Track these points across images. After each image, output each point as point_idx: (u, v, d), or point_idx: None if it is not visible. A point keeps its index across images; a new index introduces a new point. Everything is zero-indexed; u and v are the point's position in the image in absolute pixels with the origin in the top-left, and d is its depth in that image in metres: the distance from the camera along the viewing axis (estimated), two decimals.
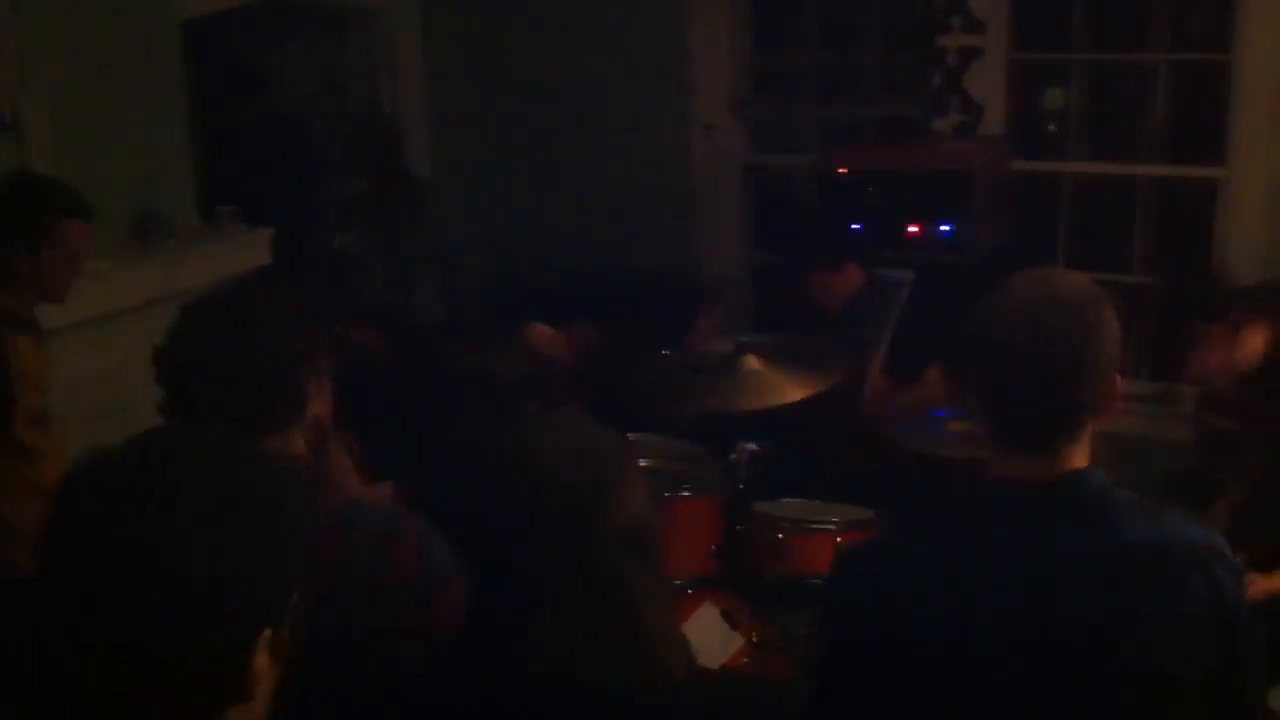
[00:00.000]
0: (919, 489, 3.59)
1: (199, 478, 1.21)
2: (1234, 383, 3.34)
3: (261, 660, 1.20)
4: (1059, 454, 1.69)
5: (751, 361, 3.47)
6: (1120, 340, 1.71)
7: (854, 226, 4.48)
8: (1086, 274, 1.83)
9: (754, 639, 2.99)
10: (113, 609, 1.15)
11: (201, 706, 1.19)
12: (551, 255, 5.36)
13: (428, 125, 5.31)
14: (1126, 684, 1.63)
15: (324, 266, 4.48)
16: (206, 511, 1.18)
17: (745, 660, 2.92)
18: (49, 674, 1.18)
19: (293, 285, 2.80)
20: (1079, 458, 1.71)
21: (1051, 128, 4.88)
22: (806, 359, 3.53)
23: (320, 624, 1.29)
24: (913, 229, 4.45)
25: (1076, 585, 1.63)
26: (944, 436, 3.54)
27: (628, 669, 1.46)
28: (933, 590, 1.66)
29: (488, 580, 1.54)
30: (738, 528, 3.28)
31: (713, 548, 3.24)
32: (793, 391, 3.39)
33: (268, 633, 1.20)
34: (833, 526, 3.24)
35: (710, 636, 2.89)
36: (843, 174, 4.58)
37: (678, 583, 3.08)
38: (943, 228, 4.42)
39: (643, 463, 3.39)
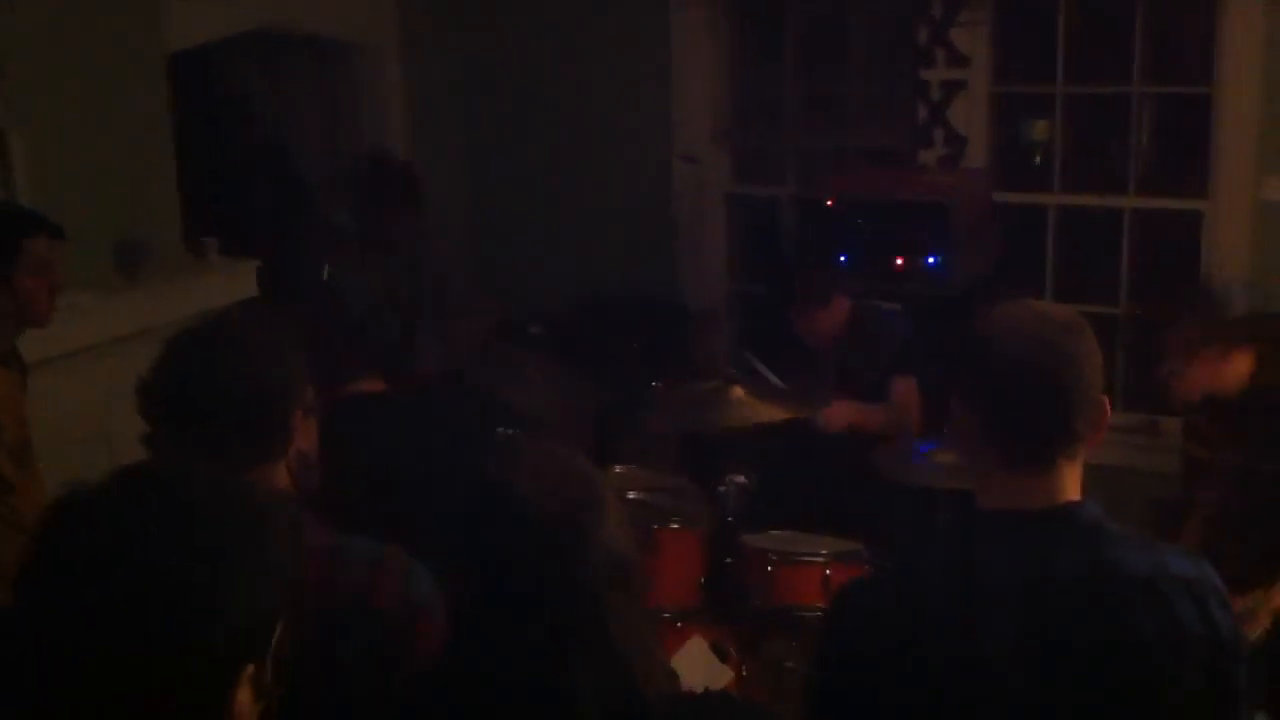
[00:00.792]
0: (907, 521, 3.59)
1: (183, 513, 1.20)
2: (1212, 406, 3.33)
3: (244, 696, 1.19)
4: (1056, 478, 1.70)
5: (738, 392, 3.48)
6: (1103, 366, 1.73)
7: (841, 258, 4.49)
8: (1072, 305, 1.86)
9: (743, 671, 2.98)
10: (95, 644, 1.14)
11: None
12: (534, 286, 5.36)
13: (411, 156, 5.32)
14: (1120, 712, 1.63)
15: (311, 298, 4.46)
16: (190, 547, 1.17)
17: (734, 692, 2.90)
18: (30, 711, 1.16)
19: (278, 317, 2.79)
20: (1074, 488, 1.72)
21: (1036, 160, 4.91)
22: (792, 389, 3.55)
23: (303, 654, 1.27)
24: (899, 261, 4.45)
25: (1073, 615, 1.63)
26: (931, 468, 3.54)
27: (609, 699, 1.45)
28: (931, 622, 1.65)
29: (469, 611, 1.53)
30: (726, 560, 3.28)
31: (700, 580, 3.24)
32: (778, 412, 3.41)
33: (251, 668, 1.19)
34: (821, 558, 3.23)
35: (699, 669, 2.88)
36: (830, 205, 4.58)
37: (666, 615, 3.07)
38: (929, 260, 4.43)
39: (630, 495, 3.39)
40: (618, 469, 3.64)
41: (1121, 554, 1.67)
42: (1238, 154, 4.37)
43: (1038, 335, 1.71)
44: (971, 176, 4.76)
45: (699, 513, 3.40)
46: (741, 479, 3.41)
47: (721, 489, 3.44)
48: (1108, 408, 1.72)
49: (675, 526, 3.26)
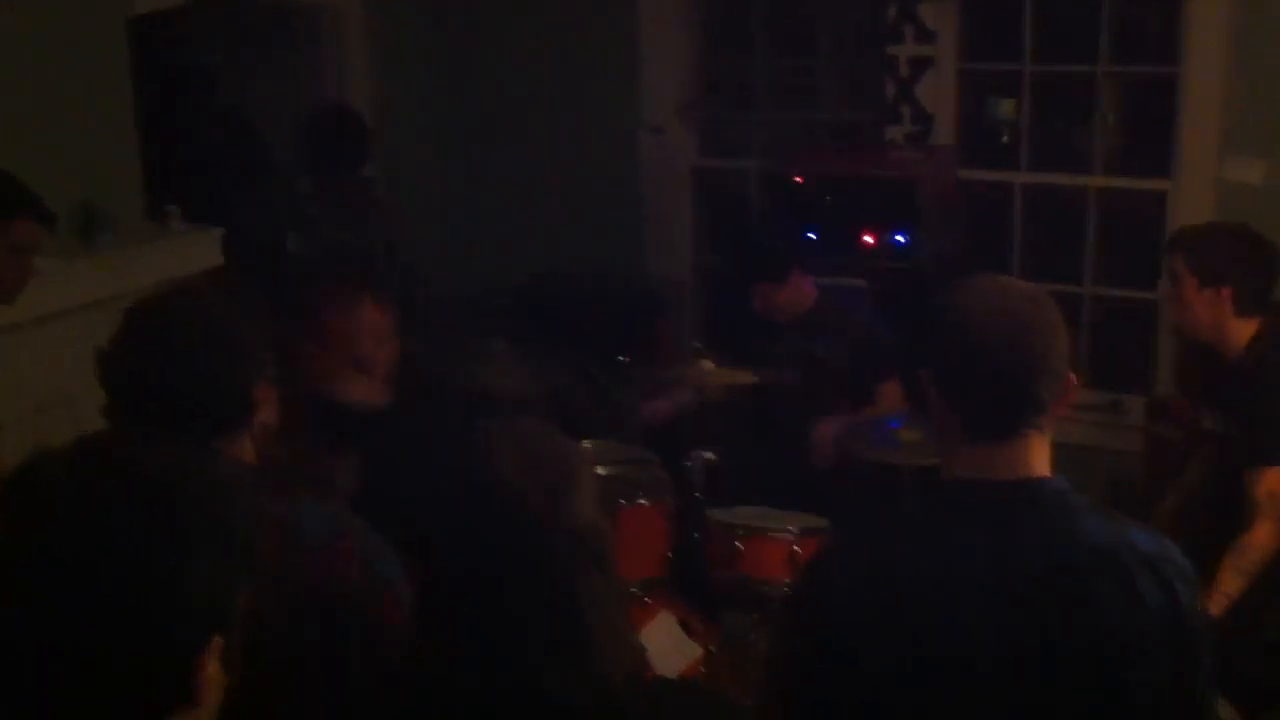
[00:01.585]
0: (872, 496, 3.61)
1: (146, 483, 1.19)
2: (1204, 371, 3.32)
3: (212, 667, 1.19)
4: (1023, 449, 1.71)
5: (707, 367, 3.48)
6: (1067, 339, 1.75)
7: (808, 234, 4.48)
8: (1037, 283, 1.87)
9: (711, 648, 2.99)
10: (58, 616, 1.13)
11: (149, 714, 1.17)
12: (498, 259, 5.33)
13: (372, 124, 5.28)
14: (1085, 686, 1.64)
15: (276, 268, 4.42)
16: (155, 517, 1.16)
17: (703, 669, 2.91)
18: None
19: (242, 287, 2.76)
20: (1041, 462, 1.73)
21: (1004, 138, 4.92)
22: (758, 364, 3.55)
23: (264, 630, 1.27)
24: (867, 238, 4.46)
25: (1037, 587, 1.65)
26: (897, 445, 3.55)
27: (575, 676, 1.45)
28: (899, 594, 1.66)
29: (437, 588, 1.52)
30: (694, 535, 3.28)
31: (667, 555, 3.24)
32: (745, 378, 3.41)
33: (219, 640, 1.19)
34: (788, 533, 3.24)
35: (668, 645, 2.89)
36: (797, 181, 4.58)
37: (634, 590, 3.07)
38: (896, 237, 4.43)
39: (598, 470, 3.39)
40: (585, 444, 3.63)
41: (1086, 527, 1.69)
42: (1202, 134, 4.39)
43: (1004, 307, 1.73)
44: (939, 154, 4.76)
45: (665, 488, 3.40)
46: (708, 454, 3.41)
47: (688, 464, 3.44)
48: (1074, 380, 1.75)
49: (642, 502, 3.26)
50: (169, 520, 1.17)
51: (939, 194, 4.63)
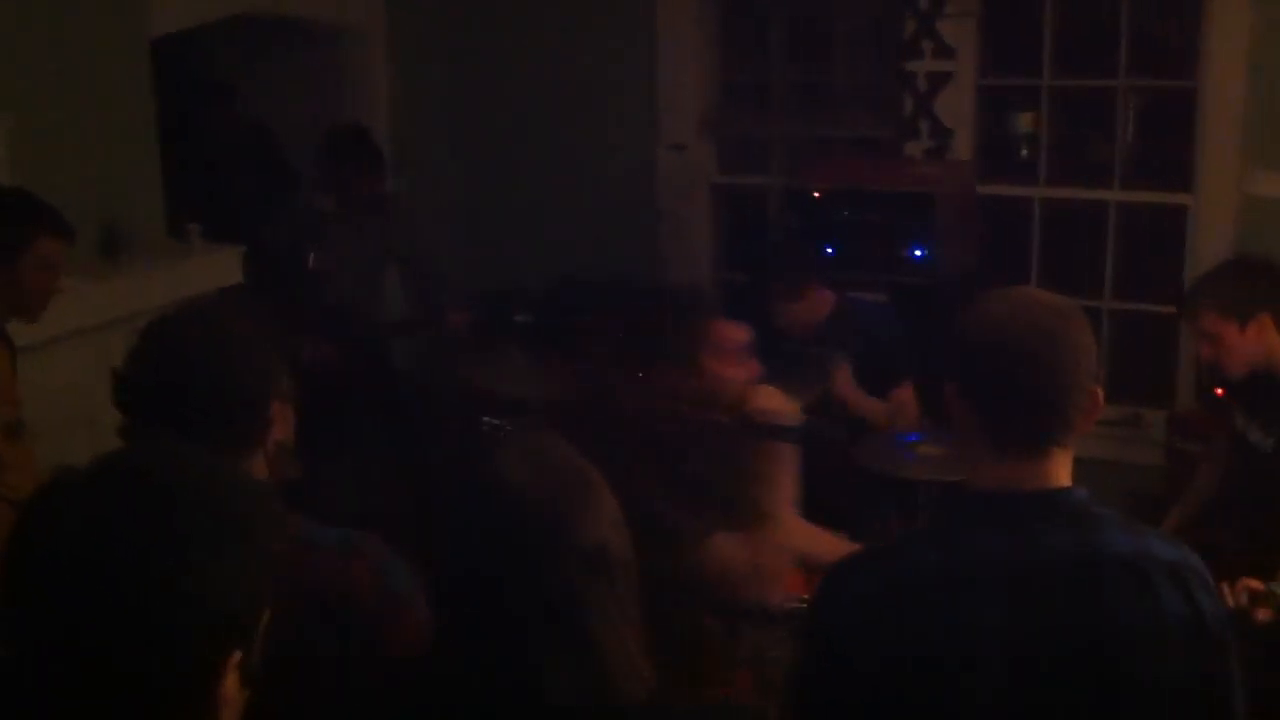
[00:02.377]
0: (890, 512, 3.60)
1: (169, 498, 1.19)
2: (1251, 384, 3.28)
3: (231, 683, 1.19)
4: (1047, 462, 1.71)
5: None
6: (1096, 355, 1.74)
7: (827, 249, 4.48)
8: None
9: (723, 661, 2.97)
10: (81, 630, 1.13)
11: None
12: (517, 275, 5.34)
13: (395, 141, 5.30)
14: (1107, 695, 1.64)
15: (297, 285, 4.44)
16: (177, 532, 1.17)
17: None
18: (12, 695, 1.16)
19: (260, 305, 2.78)
20: (1064, 474, 1.73)
21: (1022, 152, 4.91)
22: (780, 378, 3.52)
23: (279, 645, 1.27)
24: (885, 252, 4.46)
25: (1059, 595, 1.65)
26: (912, 460, 3.55)
27: (579, 691, 1.45)
28: (920, 600, 1.66)
29: (450, 600, 1.53)
30: None
31: None
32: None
33: (237, 655, 1.19)
34: None
35: None
36: (816, 196, 4.58)
37: None
38: (915, 250, 4.43)
39: None
40: None
41: (1106, 537, 1.69)
42: (1223, 148, 4.38)
43: (1034, 321, 1.71)
44: (957, 168, 4.76)
45: None
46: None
47: None
48: (1100, 397, 1.73)
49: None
50: (192, 534, 1.17)
51: (959, 208, 4.63)
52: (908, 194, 4.54)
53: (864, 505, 3.65)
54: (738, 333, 2.58)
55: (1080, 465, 1.79)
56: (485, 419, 3.55)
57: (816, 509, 3.54)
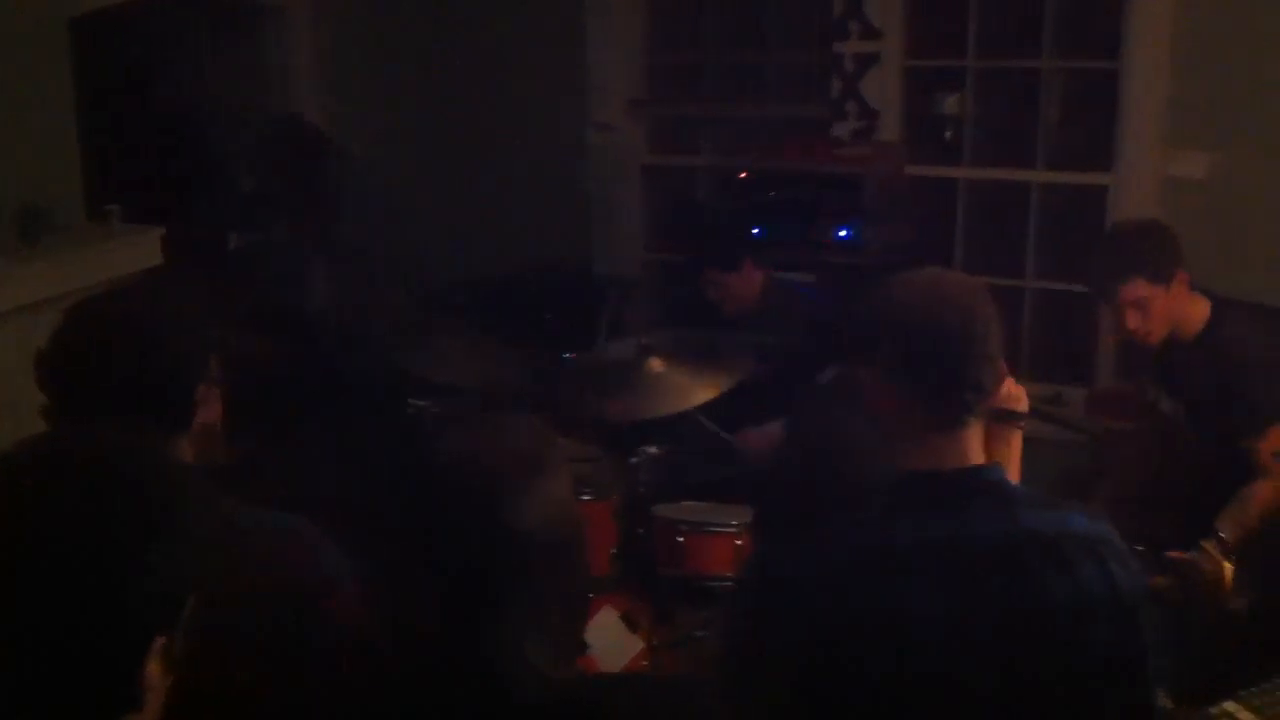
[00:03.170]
0: (819, 491, 3.63)
1: (91, 482, 1.18)
2: (1165, 355, 3.30)
3: (154, 669, 1.18)
4: (965, 439, 1.76)
5: (655, 365, 3.48)
6: (1002, 330, 1.79)
7: (755, 230, 4.51)
8: (980, 277, 1.92)
9: (653, 642, 3.00)
10: (8, 618, 1.13)
11: (92, 715, 1.16)
12: (447, 255, 5.31)
13: (322, 123, 5.24)
14: (1031, 672, 1.67)
15: (218, 266, 4.39)
16: (98, 517, 1.16)
17: (645, 663, 2.92)
18: None
19: (184, 287, 2.74)
20: (979, 450, 1.78)
21: (948, 133, 4.96)
22: (709, 359, 3.54)
23: (210, 629, 1.26)
24: (813, 233, 4.49)
25: (983, 574, 1.68)
26: None
27: (529, 671, 1.45)
28: (847, 581, 1.68)
29: (392, 581, 1.53)
30: (638, 530, 3.29)
31: (612, 551, 3.25)
32: (698, 393, 3.40)
33: (161, 640, 1.18)
34: (733, 528, 3.26)
35: (610, 640, 2.89)
36: (745, 177, 4.60)
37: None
38: (843, 231, 4.46)
39: None
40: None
41: (1026, 514, 1.73)
42: (1144, 129, 4.44)
43: (945, 297, 1.78)
44: (886, 149, 4.80)
45: (611, 484, 3.41)
46: (654, 450, 3.42)
47: (634, 460, 3.45)
48: (1005, 369, 1.81)
49: (587, 498, 3.26)
50: (114, 519, 1.16)
51: (888, 189, 4.67)
52: (837, 175, 4.57)
53: (791, 485, 3.67)
54: None
55: None
56: (413, 401, 3.53)
57: (745, 488, 3.57)
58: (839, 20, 4.81)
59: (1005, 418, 2.40)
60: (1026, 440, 2.04)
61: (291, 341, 4.61)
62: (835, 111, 4.87)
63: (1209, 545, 2.90)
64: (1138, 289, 3.13)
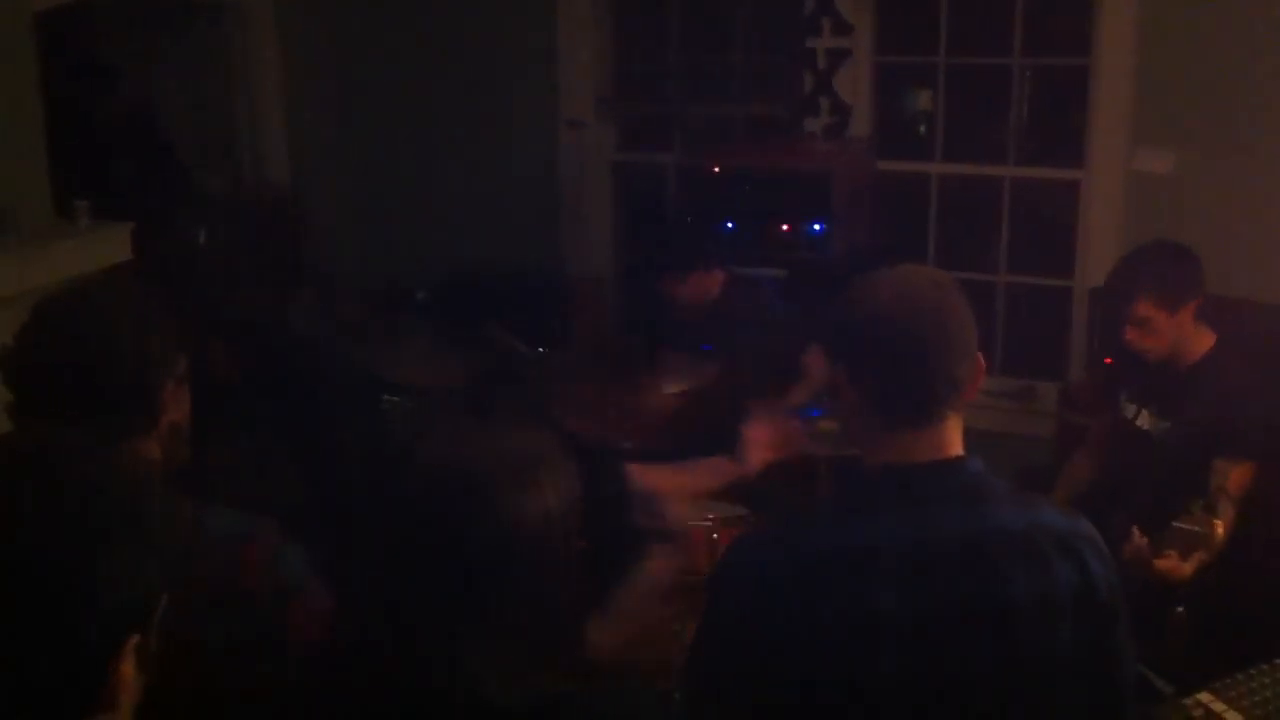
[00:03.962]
0: (792, 487, 3.63)
1: (59, 483, 1.17)
2: (1159, 374, 3.33)
3: (127, 668, 1.18)
4: (940, 432, 1.75)
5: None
6: (974, 323, 1.79)
7: (727, 226, 4.50)
8: (952, 272, 1.91)
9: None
10: None
11: (66, 716, 1.16)
12: (415, 255, 5.29)
13: (285, 122, 5.21)
14: (1001, 668, 1.67)
15: (185, 265, 4.35)
16: (69, 516, 1.15)
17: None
18: None
19: (151, 285, 2.71)
20: (957, 442, 1.76)
21: (920, 129, 4.97)
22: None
23: (172, 631, 1.25)
24: (784, 228, 4.49)
25: (953, 569, 1.67)
26: (815, 435, 3.58)
27: (502, 678, 1.44)
28: (817, 576, 1.67)
29: (362, 582, 1.52)
30: (613, 530, 3.27)
31: (587, 548, 3.23)
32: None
33: (134, 640, 1.18)
34: (708, 523, 3.25)
35: None
36: (715, 173, 4.60)
37: None
38: (813, 227, 4.46)
39: None
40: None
41: (998, 509, 1.73)
42: (1112, 125, 4.47)
43: (913, 295, 1.76)
44: (856, 145, 4.81)
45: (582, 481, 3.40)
46: (627, 445, 3.41)
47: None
48: (981, 363, 1.78)
49: (569, 500, 3.24)
50: (81, 517, 1.16)
51: (858, 185, 4.68)
52: (806, 171, 4.57)
53: (765, 481, 3.67)
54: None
55: (974, 437, 1.82)
56: (386, 397, 3.51)
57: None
58: (811, 16, 4.81)
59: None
60: (994, 434, 2.04)
61: (258, 339, 4.58)
62: (808, 107, 4.87)
63: (1196, 509, 2.90)
64: (1144, 308, 3.20)
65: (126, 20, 4.99)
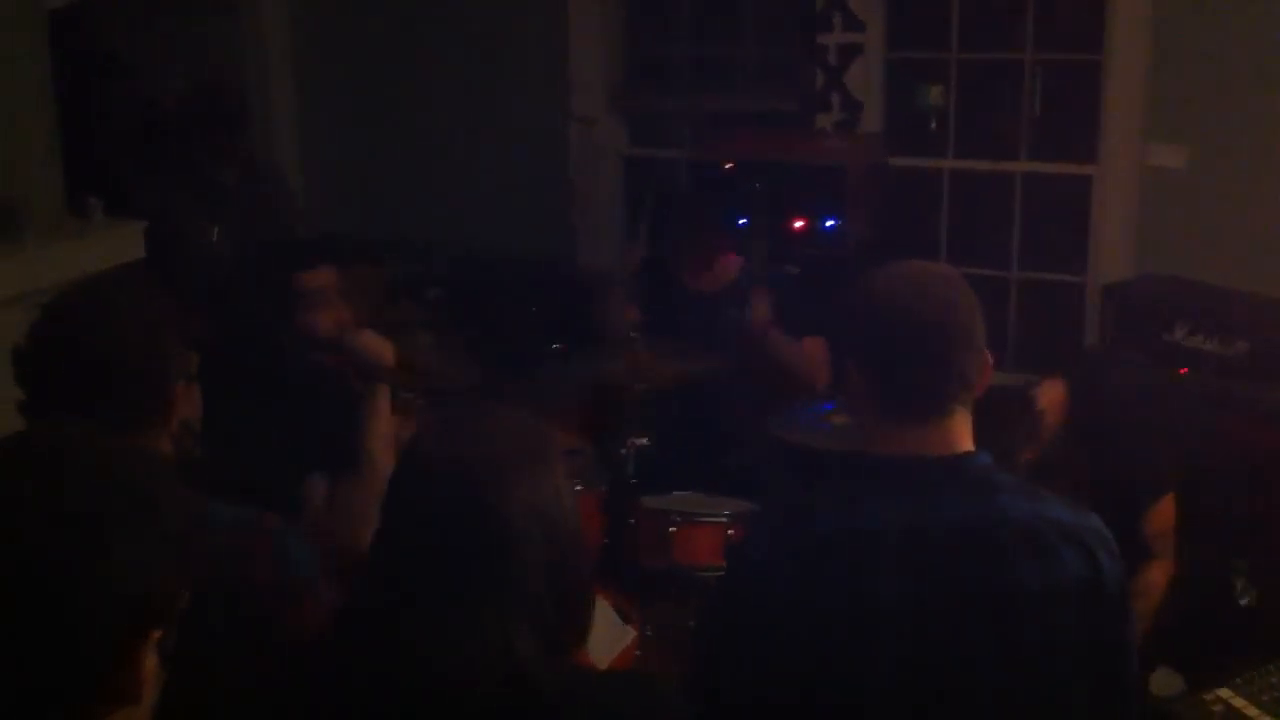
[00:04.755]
0: (806, 482, 3.63)
1: (75, 479, 1.18)
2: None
3: (150, 663, 1.18)
4: (949, 428, 1.74)
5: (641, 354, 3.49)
6: (982, 318, 1.78)
7: (739, 221, 4.49)
8: (964, 268, 1.90)
9: (646, 633, 2.99)
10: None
11: (91, 711, 1.16)
12: (428, 248, 5.29)
13: (295, 112, 5.21)
14: (1004, 659, 1.67)
15: (198, 261, 4.35)
16: (85, 513, 1.15)
17: (637, 653, 2.92)
18: None
19: (163, 281, 2.71)
20: (965, 438, 1.76)
21: (931, 125, 4.96)
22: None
23: (183, 626, 1.25)
24: (797, 224, 4.48)
25: (958, 560, 1.67)
26: (827, 430, 3.57)
27: (495, 668, 1.44)
28: (822, 565, 1.67)
29: (366, 571, 1.52)
30: (629, 521, 3.28)
31: (601, 542, 3.24)
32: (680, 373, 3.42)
33: (156, 635, 1.18)
34: (722, 519, 3.26)
35: (602, 631, 2.88)
36: (729, 169, 4.59)
37: None
38: (826, 223, 4.46)
39: None
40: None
41: (1005, 502, 1.72)
42: (1125, 120, 4.46)
43: (922, 290, 1.76)
44: (868, 140, 4.80)
45: (598, 475, 3.41)
46: (643, 441, 3.41)
47: (622, 451, 3.44)
48: (989, 359, 1.78)
49: (576, 489, 3.25)
50: (98, 512, 1.16)
51: (867, 181, 4.67)
52: (818, 166, 4.56)
53: (777, 475, 3.67)
54: (321, 278, 2.53)
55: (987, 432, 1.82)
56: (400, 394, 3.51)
57: (730, 479, 3.57)
58: (822, 12, 4.81)
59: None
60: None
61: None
62: (818, 103, 4.86)
63: None
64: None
65: (133, 12, 4.99)
